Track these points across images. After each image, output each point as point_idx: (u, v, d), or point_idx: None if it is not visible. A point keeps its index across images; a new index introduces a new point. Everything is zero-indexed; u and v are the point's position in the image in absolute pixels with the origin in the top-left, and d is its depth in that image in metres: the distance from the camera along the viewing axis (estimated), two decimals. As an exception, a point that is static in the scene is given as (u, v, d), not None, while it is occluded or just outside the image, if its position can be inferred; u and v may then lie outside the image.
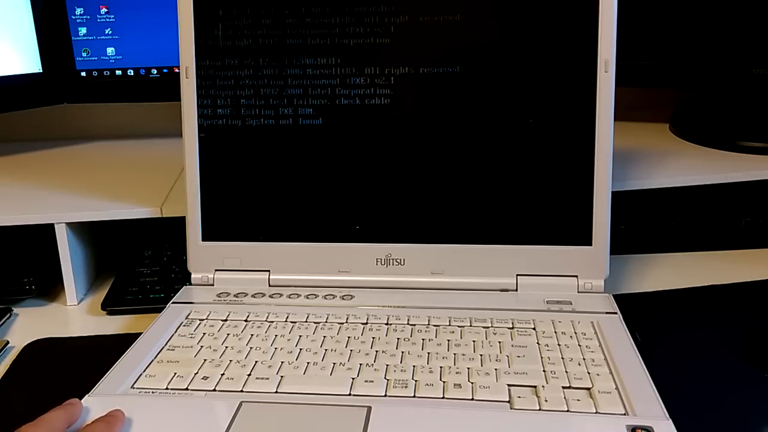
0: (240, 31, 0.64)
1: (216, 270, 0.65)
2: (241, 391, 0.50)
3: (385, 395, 0.49)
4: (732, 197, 0.75)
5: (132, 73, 0.84)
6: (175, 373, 0.52)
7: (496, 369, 0.51)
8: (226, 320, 0.59)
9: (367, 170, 0.64)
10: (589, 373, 0.50)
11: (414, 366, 0.51)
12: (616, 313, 0.58)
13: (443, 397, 0.48)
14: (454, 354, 0.53)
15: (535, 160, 0.62)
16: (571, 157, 0.61)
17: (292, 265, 0.64)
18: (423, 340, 0.55)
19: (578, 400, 0.47)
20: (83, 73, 0.84)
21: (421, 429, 0.45)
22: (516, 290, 0.62)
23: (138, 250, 0.74)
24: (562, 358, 0.52)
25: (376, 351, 0.54)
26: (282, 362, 0.53)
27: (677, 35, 0.77)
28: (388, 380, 0.50)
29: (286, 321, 0.59)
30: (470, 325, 0.57)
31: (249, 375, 0.51)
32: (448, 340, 0.55)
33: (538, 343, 0.54)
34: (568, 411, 0.46)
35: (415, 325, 0.57)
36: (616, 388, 0.48)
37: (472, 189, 0.63)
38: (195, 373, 0.52)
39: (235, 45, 0.64)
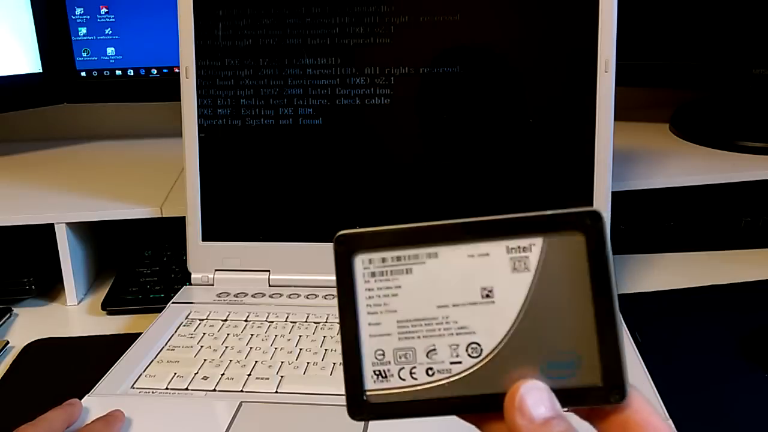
0: (240, 31, 0.64)
1: (216, 270, 0.65)
2: (241, 391, 0.50)
3: (385, 395, 0.49)
4: (732, 197, 0.75)
5: (132, 73, 0.84)
6: (175, 373, 0.52)
7: (496, 369, 0.51)
8: (226, 320, 0.59)
9: (367, 170, 0.64)
10: (589, 373, 0.50)
11: (414, 366, 0.51)
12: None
13: (443, 397, 0.48)
14: (454, 354, 0.53)
15: (535, 160, 0.62)
16: (571, 157, 0.61)
17: (292, 265, 0.64)
18: (423, 340, 0.55)
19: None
20: (83, 73, 0.84)
21: (421, 429, 0.45)
22: (516, 290, 0.62)
23: (138, 250, 0.74)
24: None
25: (376, 351, 0.54)
26: (282, 362, 0.53)
27: (677, 35, 0.77)
28: (388, 380, 0.50)
29: (286, 321, 0.59)
30: (470, 325, 0.57)
31: (249, 375, 0.51)
32: (448, 340, 0.55)
33: (538, 343, 0.54)
34: (568, 410, 0.46)
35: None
36: (616, 388, 0.48)
37: (472, 189, 0.63)
38: (195, 373, 0.52)
39: (235, 45, 0.64)
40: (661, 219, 0.76)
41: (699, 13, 0.75)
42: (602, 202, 0.61)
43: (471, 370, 0.28)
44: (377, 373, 0.28)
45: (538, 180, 0.62)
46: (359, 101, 0.63)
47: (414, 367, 0.28)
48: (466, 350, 0.28)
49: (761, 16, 0.73)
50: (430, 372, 0.28)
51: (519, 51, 0.62)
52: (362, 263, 0.29)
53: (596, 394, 0.27)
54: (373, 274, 0.29)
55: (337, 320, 0.61)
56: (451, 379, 0.28)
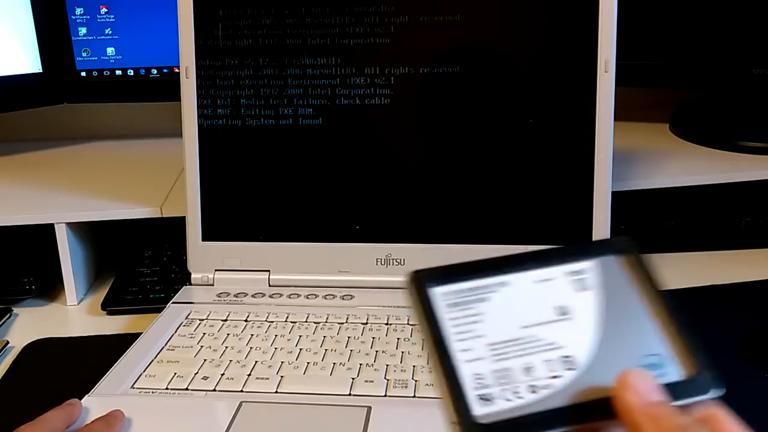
0: (240, 31, 0.64)
1: (216, 270, 0.65)
2: (241, 391, 0.50)
3: (385, 395, 0.49)
4: (732, 197, 0.75)
5: (132, 73, 0.84)
6: (175, 373, 0.52)
7: (496, 369, 0.51)
8: (226, 320, 0.59)
9: (367, 170, 0.64)
10: (589, 373, 0.50)
11: (414, 366, 0.51)
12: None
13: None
14: (454, 354, 0.53)
15: (535, 160, 0.62)
16: (571, 157, 0.61)
17: (292, 265, 0.64)
18: (423, 340, 0.55)
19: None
20: (83, 73, 0.84)
21: (421, 429, 0.45)
22: (516, 290, 0.62)
23: (138, 250, 0.74)
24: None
25: (376, 351, 0.54)
26: (282, 362, 0.53)
27: (677, 35, 0.77)
28: (388, 380, 0.50)
29: (286, 321, 0.59)
30: (470, 325, 0.57)
31: (249, 375, 0.51)
32: (448, 340, 0.55)
33: (538, 343, 0.54)
34: None
35: (415, 325, 0.57)
36: (616, 388, 0.48)
37: (472, 189, 0.63)
38: (195, 373, 0.52)
39: (235, 45, 0.64)
40: (661, 219, 0.76)
41: (699, 13, 0.75)
42: (602, 202, 0.61)
43: (571, 382, 0.29)
44: (481, 397, 0.29)
45: (538, 180, 0.62)
46: (359, 101, 0.63)
47: (516, 386, 0.29)
48: (562, 364, 0.29)
49: (761, 16, 0.73)
50: (533, 389, 0.29)
51: (519, 51, 0.62)
52: (440, 296, 0.31)
53: (694, 385, 0.28)
54: (452, 305, 0.30)
55: (338, 320, 0.61)
56: (555, 393, 0.29)
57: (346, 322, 0.58)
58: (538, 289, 0.30)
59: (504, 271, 0.31)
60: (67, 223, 0.69)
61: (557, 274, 0.31)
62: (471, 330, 0.29)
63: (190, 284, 0.66)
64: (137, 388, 0.51)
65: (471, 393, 0.29)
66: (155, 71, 0.84)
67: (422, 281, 0.31)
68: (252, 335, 0.57)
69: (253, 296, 0.63)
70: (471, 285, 0.31)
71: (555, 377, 0.29)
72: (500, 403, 0.28)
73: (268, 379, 0.51)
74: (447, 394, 0.29)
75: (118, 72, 0.84)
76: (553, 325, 0.30)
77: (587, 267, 0.31)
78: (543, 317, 0.30)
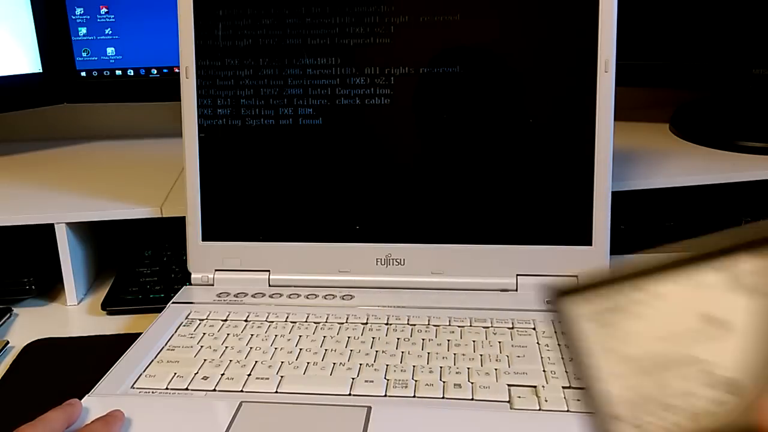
0: (240, 31, 0.64)
1: (216, 270, 0.65)
2: (241, 391, 0.50)
3: (385, 395, 0.49)
4: (732, 197, 0.75)
5: (132, 73, 0.84)
6: (175, 373, 0.52)
7: (496, 369, 0.51)
8: (226, 320, 0.59)
9: (367, 170, 0.64)
10: (589, 373, 0.50)
11: (414, 366, 0.51)
12: (616, 313, 0.58)
13: (443, 397, 0.48)
14: (454, 354, 0.53)
15: (535, 160, 0.62)
16: (571, 157, 0.61)
17: (292, 265, 0.64)
18: (423, 340, 0.55)
19: (578, 400, 0.47)
20: (83, 73, 0.84)
21: (421, 429, 0.45)
22: (516, 290, 0.62)
23: (138, 250, 0.74)
24: (562, 358, 0.52)
25: (376, 351, 0.54)
26: (282, 362, 0.53)
27: (677, 35, 0.77)
28: (388, 380, 0.50)
29: (286, 321, 0.59)
30: (470, 325, 0.57)
31: (249, 375, 0.51)
32: (448, 340, 0.55)
33: (538, 343, 0.54)
34: (568, 411, 0.46)
35: (415, 325, 0.57)
36: (616, 388, 0.48)
37: (472, 189, 0.63)
38: (195, 373, 0.52)
39: (235, 45, 0.64)
40: (661, 219, 0.76)
41: (699, 13, 0.75)
42: (602, 202, 0.61)
43: (731, 408, 0.26)
44: (630, 423, 0.27)
45: (538, 180, 0.62)
46: (359, 101, 0.63)
47: (668, 412, 0.27)
48: (721, 387, 0.26)
49: (761, 16, 0.73)
50: (685, 415, 0.26)
51: (519, 51, 0.62)
52: (586, 314, 0.28)
53: None
54: (599, 323, 0.28)
55: (338, 320, 0.61)
56: (713, 420, 0.26)
57: (346, 322, 0.58)
58: (696, 298, 0.27)
59: (657, 280, 0.27)
60: (67, 223, 0.69)
61: (725, 278, 0.26)
62: (619, 350, 0.27)
63: (190, 284, 0.66)
64: (137, 388, 0.51)
65: (605, 415, 0.27)
66: (155, 71, 0.84)
67: (565, 297, 0.28)
68: (252, 335, 0.57)
69: (253, 296, 0.63)
70: (621, 299, 0.28)
71: (712, 402, 0.26)
72: (651, 428, 0.26)
73: (268, 379, 0.51)
74: (587, 414, 0.27)
75: (118, 72, 0.84)
76: (712, 342, 0.26)
77: (764, 267, 0.26)
78: (700, 333, 0.26)
